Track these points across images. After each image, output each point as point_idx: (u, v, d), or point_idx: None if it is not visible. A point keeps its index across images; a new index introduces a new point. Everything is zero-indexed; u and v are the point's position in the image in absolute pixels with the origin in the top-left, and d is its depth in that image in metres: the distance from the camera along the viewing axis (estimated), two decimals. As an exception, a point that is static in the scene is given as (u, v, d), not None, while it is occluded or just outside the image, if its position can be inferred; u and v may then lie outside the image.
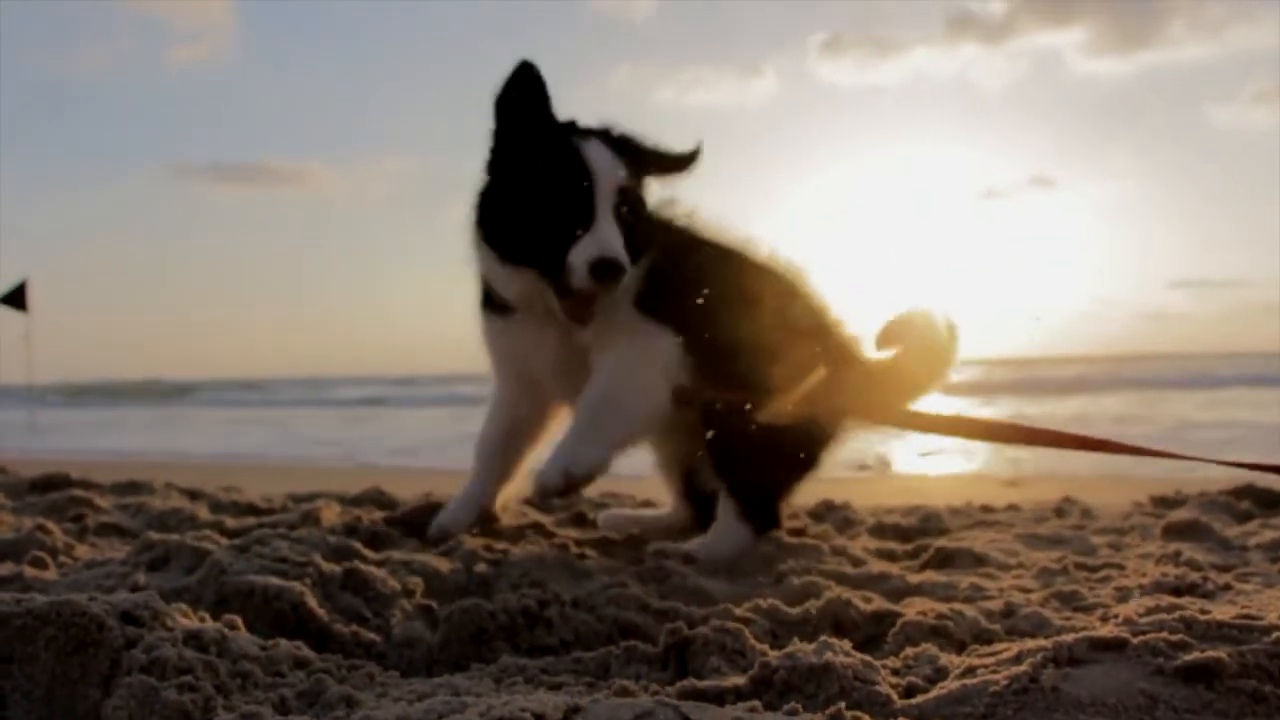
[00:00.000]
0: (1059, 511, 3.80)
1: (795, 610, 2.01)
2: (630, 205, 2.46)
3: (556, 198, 2.40)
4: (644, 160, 2.56)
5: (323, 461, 8.68)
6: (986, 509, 3.87)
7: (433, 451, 9.64)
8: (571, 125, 2.52)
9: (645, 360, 2.53)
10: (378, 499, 3.63)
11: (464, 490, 2.90)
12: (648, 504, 3.69)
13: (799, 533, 2.99)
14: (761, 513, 2.70)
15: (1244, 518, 3.27)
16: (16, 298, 13.67)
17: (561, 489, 2.45)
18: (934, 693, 1.40)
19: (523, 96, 2.47)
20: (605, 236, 2.35)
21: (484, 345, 2.80)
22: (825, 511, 3.45)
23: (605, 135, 2.51)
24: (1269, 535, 2.81)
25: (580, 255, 2.35)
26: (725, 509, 2.66)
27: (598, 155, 2.42)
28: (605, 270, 2.33)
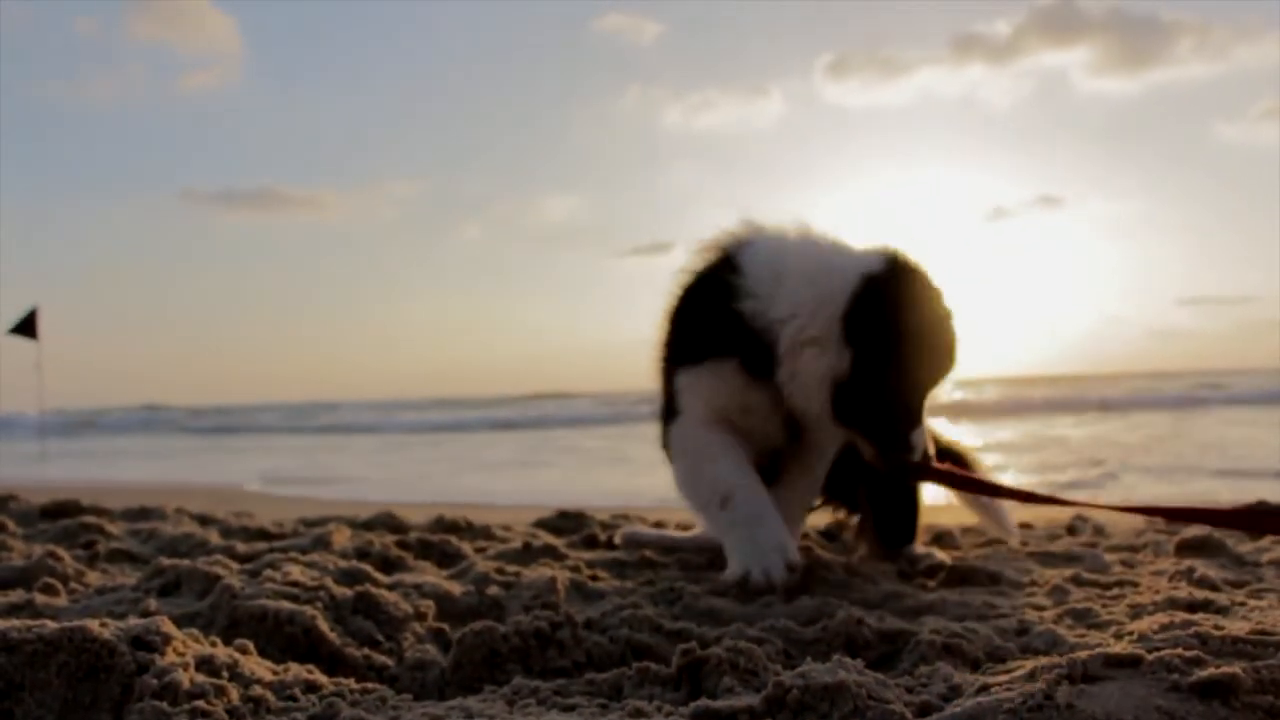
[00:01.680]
0: (1071, 529, 3.79)
1: (808, 630, 2.00)
2: None
3: (931, 382, 2.56)
4: None
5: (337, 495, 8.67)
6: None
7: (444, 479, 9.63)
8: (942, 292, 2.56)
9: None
10: (389, 523, 3.63)
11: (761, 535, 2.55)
12: (659, 524, 3.68)
13: (810, 552, 2.98)
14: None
15: (1257, 535, 3.25)
16: (27, 326, 13.74)
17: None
18: (948, 710, 1.39)
19: (920, 293, 2.51)
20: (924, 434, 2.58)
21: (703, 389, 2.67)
22: (838, 531, 3.44)
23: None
24: (1283, 551, 2.79)
25: (919, 442, 2.55)
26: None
27: (957, 354, 2.56)
28: (922, 472, 2.67)
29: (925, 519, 3.13)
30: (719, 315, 2.57)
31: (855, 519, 3.23)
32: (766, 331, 2.50)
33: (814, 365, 2.46)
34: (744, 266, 2.58)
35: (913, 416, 2.54)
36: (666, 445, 2.79)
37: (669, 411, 2.74)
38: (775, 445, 2.69)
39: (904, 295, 2.47)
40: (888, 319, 2.44)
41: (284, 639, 1.92)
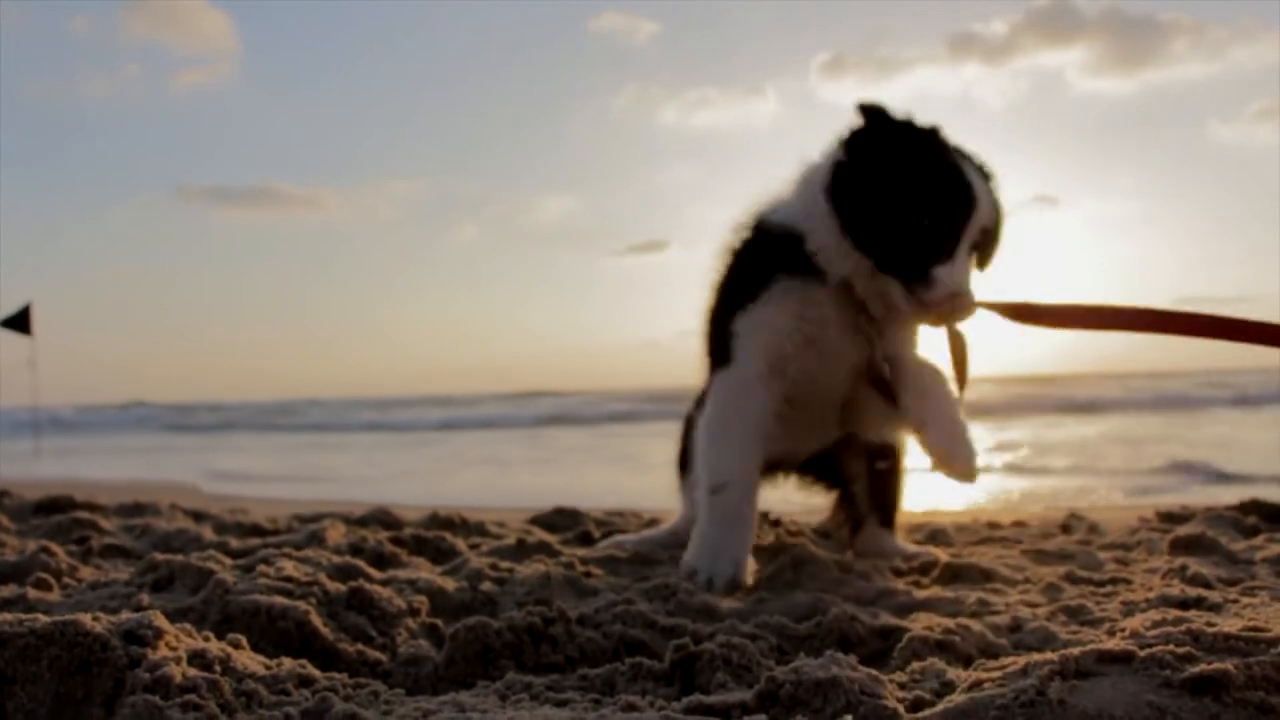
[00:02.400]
0: (1065, 527, 3.79)
1: (802, 626, 2.01)
2: (983, 246, 2.60)
3: (936, 215, 2.47)
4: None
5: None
6: (993, 525, 3.87)
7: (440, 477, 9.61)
8: (943, 139, 2.57)
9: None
10: (383, 519, 3.63)
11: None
12: (653, 523, 3.68)
13: (804, 549, 2.98)
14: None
15: (1250, 532, 3.26)
16: (20, 321, 13.69)
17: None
18: (940, 706, 1.40)
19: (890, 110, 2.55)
20: (964, 272, 2.50)
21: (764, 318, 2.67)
22: (832, 530, 3.44)
23: (975, 163, 2.59)
24: (1276, 549, 2.80)
25: (945, 278, 2.46)
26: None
27: (980, 187, 2.52)
28: (959, 306, 2.52)
29: (922, 519, 3.14)
30: (763, 253, 2.66)
31: (835, 494, 3.26)
32: (798, 233, 2.59)
33: (814, 192, 2.57)
34: (767, 213, 2.72)
35: (933, 248, 2.48)
36: (703, 399, 2.79)
37: (717, 362, 2.74)
38: (855, 362, 2.67)
39: (885, 131, 2.53)
40: (868, 149, 2.53)
41: (277, 634, 1.92)
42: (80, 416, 30.39)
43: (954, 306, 2.50)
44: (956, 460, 2.47)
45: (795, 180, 2.71)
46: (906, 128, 2.53)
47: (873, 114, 2.55)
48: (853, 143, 2.56)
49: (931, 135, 2.54)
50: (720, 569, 2.49)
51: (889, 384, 2.63)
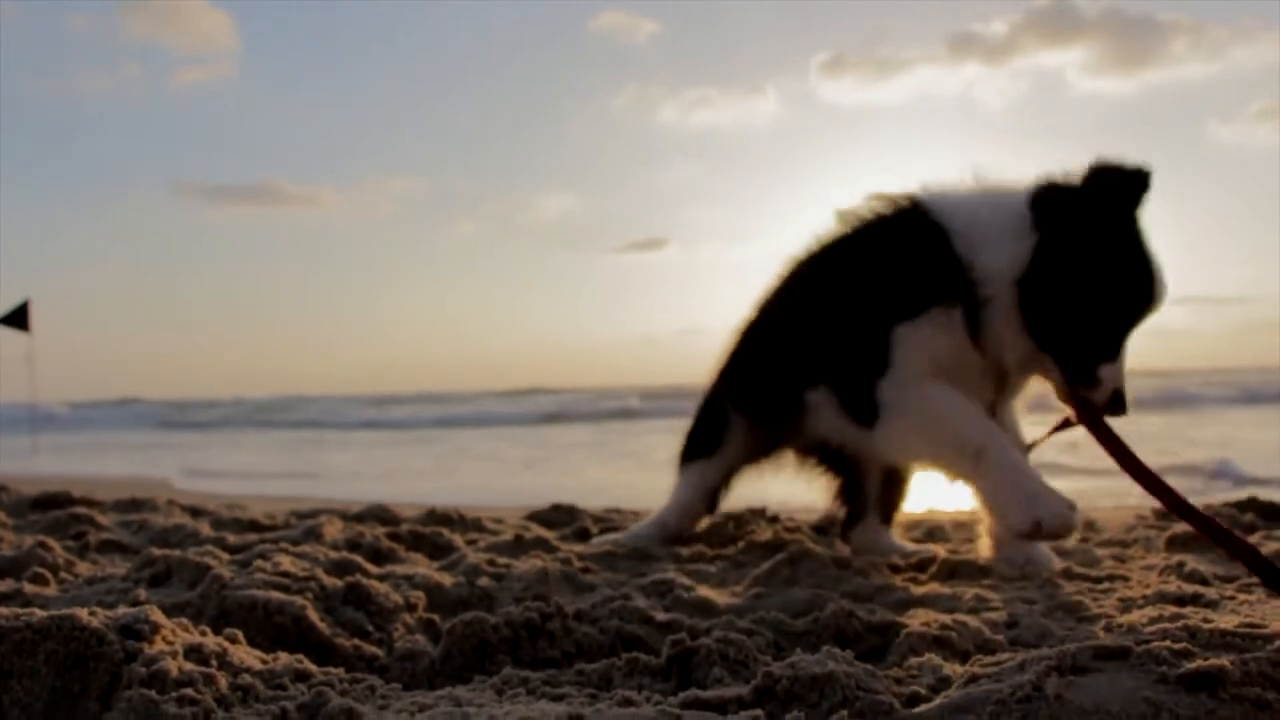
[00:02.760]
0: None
1: (799, 622, 2.01)
2: None
3: (1124, 316, 2.42)
4: None
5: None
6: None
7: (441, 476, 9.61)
8: (1144, 239, 2.43)
9: None
10: (380, 515, 3.62)
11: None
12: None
13: (801, 546, 2.98)
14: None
15: (1248, 530, 3.26)
16: (18, 318, 13.68)
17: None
18: (937, 701, 1.40)
19: (1125, 199, 2.42)
20: (1123, 367, 2.43)
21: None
22: (829, 526, 3.45)
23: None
24: (1273, 547, 2.79)
25: (1110, 378, 2.41)
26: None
27: (1163, 287, 2.43)
28: (1119, 406, 2.42)
29: (920, 516, 3.14)
30: (933, 262, 2.52)
31: (839, 482, 3.21)
32: (973, 274, 2.48)
33: (1001, 261, 2.45)
34: (942, 214, 2.56)
35: (1103, 345, 2.42)
36: (871, 402, 2.61)
37: (873, 366, 2.59)
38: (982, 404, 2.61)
39: (1098, 198, 2.41)
40: (1073, 217, 2.40)
41: (274, 629, 1.91)
42: (73, 413, 30.32)
43: (1110, 405, 2.42)
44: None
45: (982, 187, 2.61)
46: (1115, 207, 2.41)
47: (1093, 186, 2.42)
48: (1054, 221, 2.43)
49: (1134, 218, 2.42)
50: (1058, 508, 2.29)
51: None
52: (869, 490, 3.13)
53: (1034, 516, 2.28)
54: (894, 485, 3.13)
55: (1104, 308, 2.40)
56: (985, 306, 2.48)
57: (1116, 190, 2.41)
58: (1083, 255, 2.39)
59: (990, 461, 2.39)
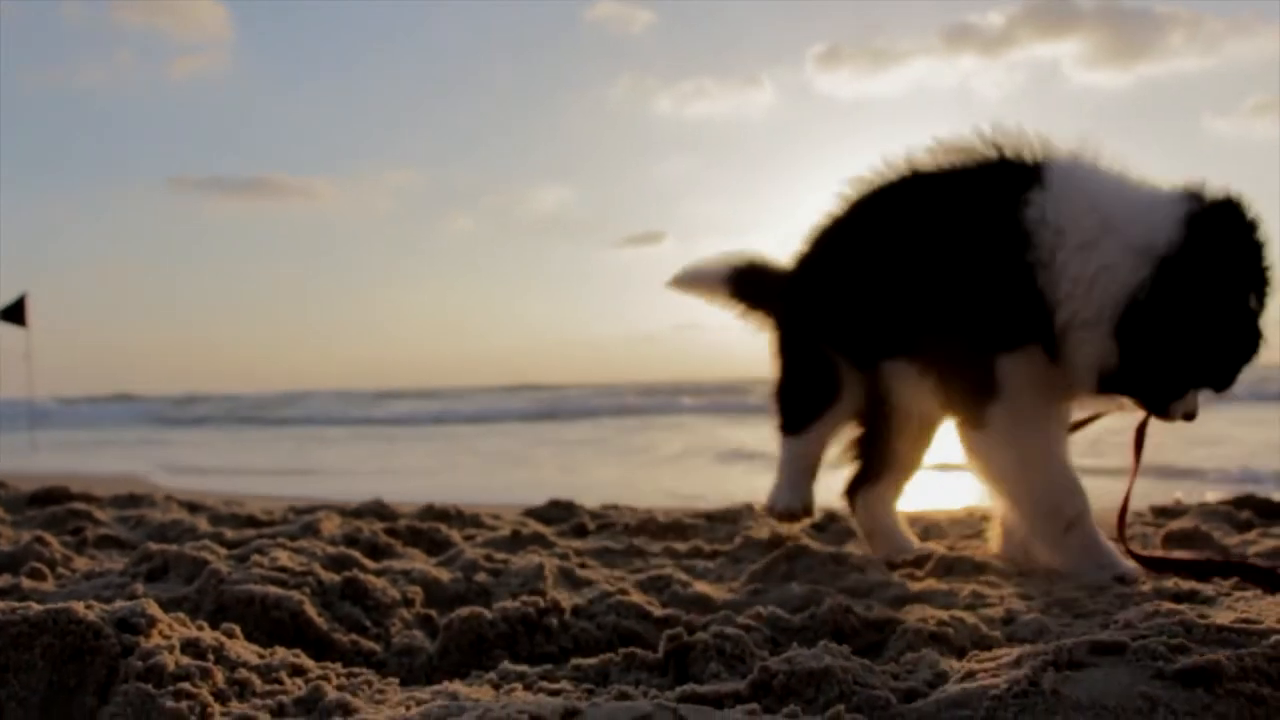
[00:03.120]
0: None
1: (796, 617, 2.00)
2: None
3: (1226, 367, 2.30)
4: None
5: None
6: (987, 518, 3.86)
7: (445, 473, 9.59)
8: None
9: None
10: (378, 511, 3.63)
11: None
12: (649, 516, 3.69)
13: (799, 542, 2.98)
14: None
15: (1244, 527, 3.27)
16: (15, 313, 13.66)
17: None
18: (934, 696, 1.40)
19: (1250, 254, 2.24)
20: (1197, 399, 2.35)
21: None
22: (828, 523, 3.45)
23: None
24: (1268, 544, 2.80)
25: (1189, 405, 2.33)
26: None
27: (1260, 337, 2.29)
28: (1190, 417, 2.36)
29: (917, 512, 3.13)
30: (1028, 292, 2.32)
31: (860, 433, 2.96)
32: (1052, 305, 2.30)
33: (1082, 354, 2.30)
34: (1049, 207, 2.32)
35: (1186, 390, 2.31)
36: (975, 418, 2.47)
37: (978, 383, 2.43)
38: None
39: (1206, 276, 2.18)
40: (1175, 310, 2.18)
41: (271, 624, 1.92)
42: (64, 409, 30.26)
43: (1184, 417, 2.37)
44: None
45: (1089, 202, 2.30)
46: (1235, 256, 2.22)
47: (1217, 223, 2.21)
48: (1170, 272, 2.18)
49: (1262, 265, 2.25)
50: (1131, 577, 2.33)
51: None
52: (891, 451, 2.92)
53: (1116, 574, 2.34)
54: (914, 452, 2.94)
55: (1209, 363, 2.28)
56: (1074, 369, 2.34)
57: (1247, 229, 2.24)
58: (1196, 311, 2.20)
59: (1081, 532, 2.43)
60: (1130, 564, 2.40)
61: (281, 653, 1.70)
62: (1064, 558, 2.46)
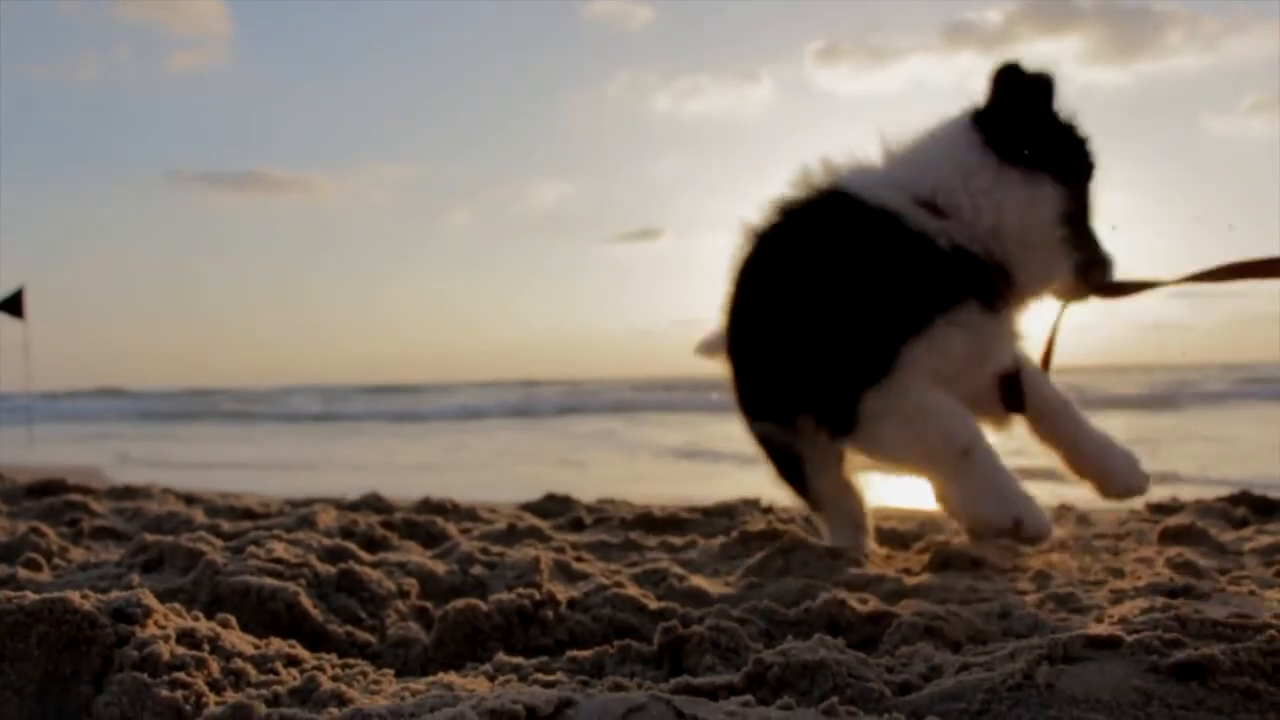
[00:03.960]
0: (1056, 517, 3.80)
1: (791, 611, 2.01)
2: None
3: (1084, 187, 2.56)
4: None
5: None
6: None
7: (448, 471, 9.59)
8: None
9: None
10: (375, 504, 3.63)
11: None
12: (645, 512, 3.69)
13: (794, 536, 2.98)
14: None
15: (1240, 524, 3.27)
16: (13, 305, 13.62)
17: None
18: (928, 689, 1.40)
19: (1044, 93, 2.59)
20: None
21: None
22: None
23: None
24: (1264, 540, 2.81)
25: (1111, 255, 2.57)
26: None
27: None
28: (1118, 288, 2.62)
29: (912, 508, 3.13)
30: (931, 271, 2.40)
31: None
32: (956, 243, 2.42)
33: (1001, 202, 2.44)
34: (878, 196, 2.47)
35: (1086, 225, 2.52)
36: (861, 407, 2.48)
37: (867, 371, 2.46)
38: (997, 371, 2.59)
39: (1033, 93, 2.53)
40: (1023, 122, 2.51)
41: (266, 615, 1.92)
42: (44, 404, 30.09)
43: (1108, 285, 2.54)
44: (1118, 478, 2.58)
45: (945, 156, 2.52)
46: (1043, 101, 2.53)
47: (1020, 85, 2.55)
48: (993, 118, 2.53)
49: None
50: (1035, 511, 2.37)
51: (1015, 393, 2.62)
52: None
53: (1015, 514, 2.34)
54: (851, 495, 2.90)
55: (1079, 191, 2.50)
56: (1019, 275, 2.47)
57: (1037, 84, 2.54)
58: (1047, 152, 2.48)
59: (976, 458, 2.40)
60: (1037, 512, 2.37)
61: (277, 643, 1.70)
62: (965, 489, 2.41)
